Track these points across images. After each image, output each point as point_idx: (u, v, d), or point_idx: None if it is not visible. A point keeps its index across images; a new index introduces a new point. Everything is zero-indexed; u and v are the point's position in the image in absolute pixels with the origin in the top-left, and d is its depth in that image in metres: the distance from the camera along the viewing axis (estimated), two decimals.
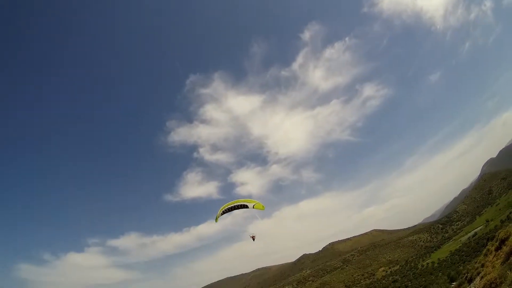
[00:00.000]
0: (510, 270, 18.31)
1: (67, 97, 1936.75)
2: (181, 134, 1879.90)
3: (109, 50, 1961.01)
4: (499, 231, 35.65)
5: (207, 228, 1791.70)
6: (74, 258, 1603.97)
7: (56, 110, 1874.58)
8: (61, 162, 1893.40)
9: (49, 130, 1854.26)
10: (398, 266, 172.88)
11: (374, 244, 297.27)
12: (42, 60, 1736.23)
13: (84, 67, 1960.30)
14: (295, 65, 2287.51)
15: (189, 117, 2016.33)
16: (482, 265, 32.77)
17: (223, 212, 46.70)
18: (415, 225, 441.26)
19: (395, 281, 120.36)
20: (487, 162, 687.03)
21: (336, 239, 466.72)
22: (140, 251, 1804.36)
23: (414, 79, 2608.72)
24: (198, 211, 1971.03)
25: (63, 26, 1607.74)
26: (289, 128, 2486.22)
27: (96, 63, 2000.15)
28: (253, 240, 49.01)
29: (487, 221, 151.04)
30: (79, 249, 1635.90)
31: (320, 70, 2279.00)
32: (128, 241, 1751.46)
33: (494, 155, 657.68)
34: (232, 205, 46.22)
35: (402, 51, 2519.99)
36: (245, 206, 46.91)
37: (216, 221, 46.85)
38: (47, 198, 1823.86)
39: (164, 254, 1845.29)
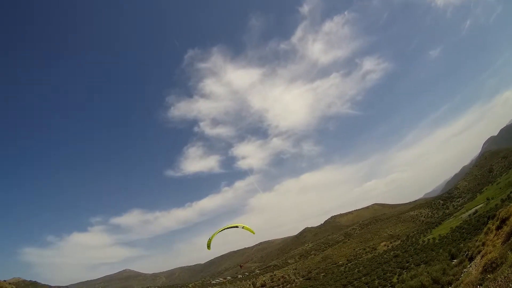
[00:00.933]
0: (510, 251, 18.18)
1: (68, 77, 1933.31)
2: (181, 109, 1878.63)
3: (107, 29, 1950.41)
4: (500, 210, 35.50)
5: (209, 203, 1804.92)
6: (78, 238, 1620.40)
7: (56, 92, 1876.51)
8: (60, 142, 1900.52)
9: (49, 112, 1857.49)
10: (399, 241, 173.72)
11: (376, 218, 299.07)
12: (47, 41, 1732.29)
13: (84, 46, 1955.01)
14: (294, 39, 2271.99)
15: (189, 91, 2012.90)
16: (483, 244, 32.75)
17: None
18: (416, 200, 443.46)
19: (396, 256, 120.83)
20: (488, 139, 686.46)
21: (338, 213, 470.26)
22: (143, 228, 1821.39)
23: (414, 54, 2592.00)
24: (200, 185, 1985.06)
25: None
26: (289, 101, 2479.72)
27: (96, 42, 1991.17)
28: (240, 268, 49.21)
29: (488, 199, 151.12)
30: (83, 228, 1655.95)
31: (320, 44, 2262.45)
32: (131, 218, 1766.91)
33: (495, 133, 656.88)
34: (224, 229, 47.51)
35: (402, 26, 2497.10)
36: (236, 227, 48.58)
37: (208, 248, 47.39)
38: (47, 180, 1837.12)
39: (167, 230, 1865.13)
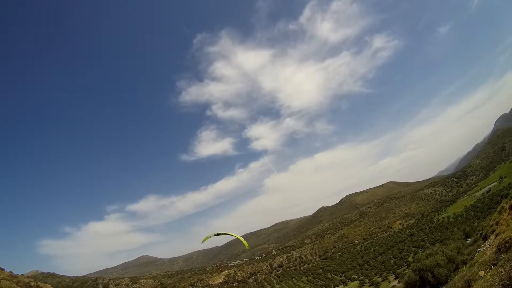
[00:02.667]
0: None
1: (80, 69, 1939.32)
2: (192, 93, 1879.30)
3: (115, 16, 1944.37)
4: None
5: (225, 185, 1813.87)
6: (95, 227, 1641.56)
7: (72, 84, 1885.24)
8: (75, 132, 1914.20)
9: (64, 102, 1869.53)
10: (414, 220, 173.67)
11: (390, 196, 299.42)
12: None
13: (93, 34, 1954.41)
14: (302, 19, 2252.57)
15: (199, 75, 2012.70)
16: (497, 223, 32.46)
17: (216, 234, 48.24)
18: (429, 178, 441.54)
19: (411, 234, 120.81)
20: (500, 117, 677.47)
21: (353, 191, 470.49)
22: (159, 214, 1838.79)
23: (423, 31, 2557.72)
24: (215, 168, 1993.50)
25: None
26: (300, 81, 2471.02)
27: (105, 29, 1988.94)
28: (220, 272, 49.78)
29: (501, 177, 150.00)
30: (99, 217, 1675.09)
31: (328, 23, 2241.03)
32: (147, 204, 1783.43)
33: (507, 111, 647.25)
34: (220, 234, 48.78)
35: (410, 2, 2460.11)
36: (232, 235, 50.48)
37: (202, 242, 48.45)
38: (63, 171, 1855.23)
39: (183, 214, 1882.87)
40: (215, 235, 47.56)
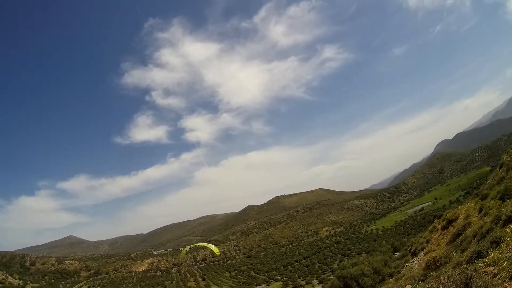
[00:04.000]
0: (456, 252, 19.08)
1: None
2: (134, 76, 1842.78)
3: None
4: (447, 211, 36.89)
5: (155, 173, 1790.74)
6: (25, 202, 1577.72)
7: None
8: (9, 102, 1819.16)
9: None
10: (342, 228, 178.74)
11: (320, 203, 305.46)
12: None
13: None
14: (257, 18, 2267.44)
15: (144, 60, 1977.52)
16: (427, 241, 33.85)
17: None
18: (361, 190, 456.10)
19: (338, 242, 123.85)
20: (442, 141, 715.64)
21: (282, 193, 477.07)
22: (88, 194, 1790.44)
23: (377, 49, 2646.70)
24: (147, 155, 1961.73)
25: None
26: (243, 79, 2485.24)
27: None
28: None
29: (436, 198, 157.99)
30: (30, 192, 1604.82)
31: (282, 26, 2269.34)
32: (77, 183, 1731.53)
33: (450, 137, 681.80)
34: (196, 245, 53.10)
35: (369, 20, 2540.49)
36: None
37: (180, 256, 52.72)
38: None
39: (113, 197, 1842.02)
40: (190, 247, 50.93)
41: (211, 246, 51.69)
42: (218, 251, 54.03)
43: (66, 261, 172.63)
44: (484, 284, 8.86)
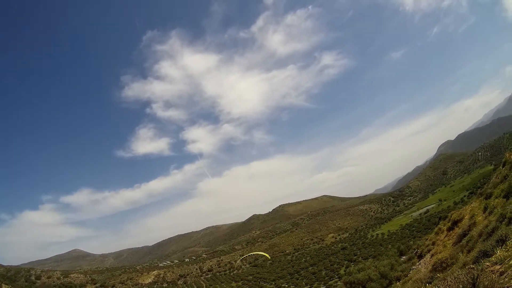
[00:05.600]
0: (462, 252, 18.88)
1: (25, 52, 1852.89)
2: (134, 89, 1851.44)
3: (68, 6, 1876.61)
4: (452, 212, 36.67)
5: (158, 185, 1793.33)
6: (30, 216, 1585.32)
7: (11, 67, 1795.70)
8: (11, 117, 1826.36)
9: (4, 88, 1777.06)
10: (347, 234, 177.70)
11: (324, 209, 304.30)
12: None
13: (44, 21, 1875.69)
14: (255, 28, 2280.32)
15: (144, 73, 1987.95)
16: (433, 243, 33.63)
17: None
18: (365, 195, 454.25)
19: (344, 248, 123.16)
20: (444, 143, 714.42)
21: (287, 202, 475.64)
22: (92, 208, 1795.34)
23: (375, 54, 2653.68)
24: (150, 167, 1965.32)
25: None
26: (243, 89, 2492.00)
27: (53, 15, 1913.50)
28: None
29: (440, 200, 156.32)
30: (34, 206, 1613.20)
31: (280, 35, 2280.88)
32: (81, 197, 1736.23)
33: (452, 138, 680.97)
34: (248, 254, 56.77)
35: (366, 25, 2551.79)
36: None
37: (235, 267, 55.11)
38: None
39: (116, 211, 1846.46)
40: (242, 257, 52.87)
41: (262, 253, 53.62)
42: (268, 256, 60.69)
43: (71, 275, 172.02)
44: (491, 283, 8.71)
